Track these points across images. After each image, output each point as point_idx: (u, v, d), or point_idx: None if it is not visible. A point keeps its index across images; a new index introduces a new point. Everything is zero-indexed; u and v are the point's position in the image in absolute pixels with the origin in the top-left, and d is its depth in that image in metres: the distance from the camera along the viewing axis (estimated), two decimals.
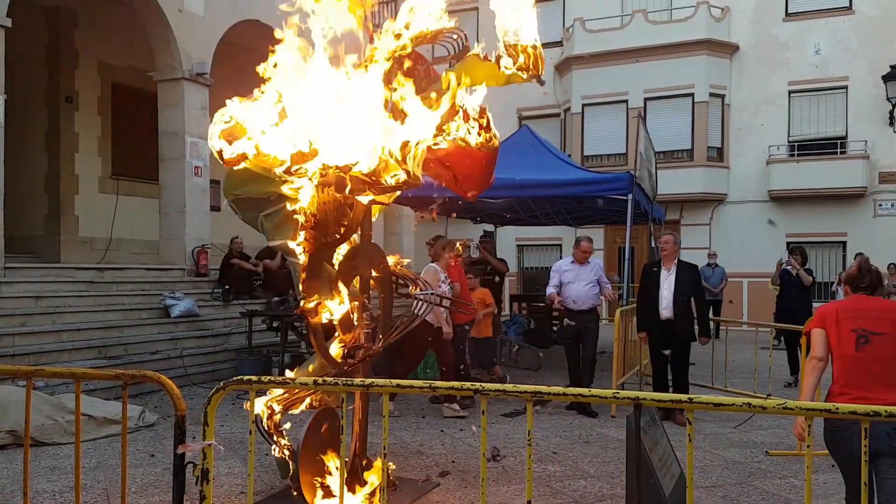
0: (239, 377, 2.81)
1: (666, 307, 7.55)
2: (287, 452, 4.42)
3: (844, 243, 19.08)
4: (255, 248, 12.35)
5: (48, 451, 5.96)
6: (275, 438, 4.39)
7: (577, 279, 8.04)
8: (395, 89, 4.17)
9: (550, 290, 8.16)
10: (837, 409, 2.42)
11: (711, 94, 19.93)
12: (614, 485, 5.28)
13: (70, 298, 9.66)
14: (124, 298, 10.37)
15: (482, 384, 2.66)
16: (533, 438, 2.70)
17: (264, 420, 4.25)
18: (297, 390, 4.16)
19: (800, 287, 9.98)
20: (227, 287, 11.61)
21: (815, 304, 8.90)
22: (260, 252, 12.13)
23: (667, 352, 7.66)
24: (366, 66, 4.19)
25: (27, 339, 8.41)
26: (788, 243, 19.01)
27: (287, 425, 4.50)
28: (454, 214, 11.38)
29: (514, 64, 4.77)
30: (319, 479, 4.45)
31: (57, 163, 13.01)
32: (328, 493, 4.47)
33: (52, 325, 8.90)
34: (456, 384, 2.68)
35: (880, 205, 18.85)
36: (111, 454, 5.94)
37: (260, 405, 4.24)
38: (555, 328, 14.43)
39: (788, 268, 10.10)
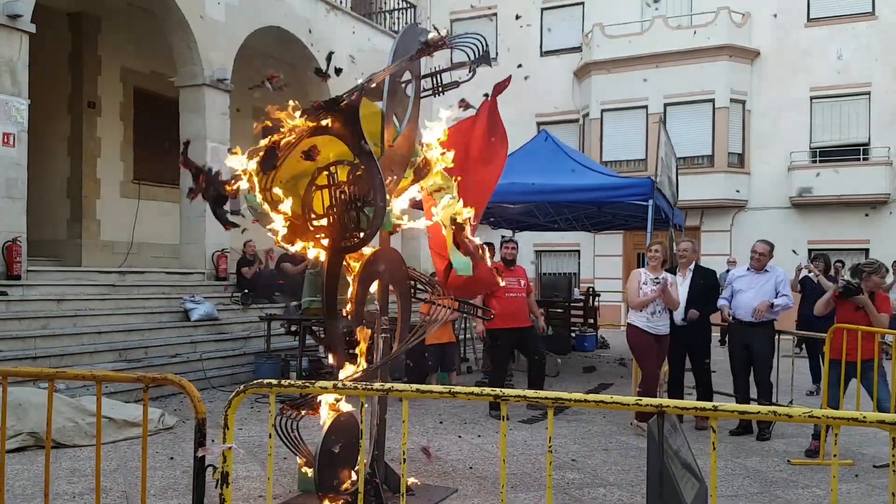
0: (259, 380, 2.81)
1: (680, 313, 7.50)
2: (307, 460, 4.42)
3: (867, 251, 18.83)
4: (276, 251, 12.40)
5: (68, 453, 6.00)
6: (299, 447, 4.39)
7: (750, 288, 7.19)
8: None
9: (722, 301, 7.50)
10: (865, 417, 2.37)
11: (732, 100, 19.80)
12: (634, 493, 5.23)
13: (91, 302, 9.74)
14: (145, 302, 10.45)
15: (503, 390, 2.63)
16: (555, 445, 2.68)
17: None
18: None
19: (821, 296, 9.80)
20: (246, 291, 11.67)
21: None
22: (281, 255, 12.16)
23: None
24: None
25: (49, 341, 8.48)
26: (810, 251, 18.80)
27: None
28: None
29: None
30: (338, 484, 4.45)
31: (79, 167, 13.13)
32: (346, 495, 4.47)
33: (73, 328, 8.97)
34: (476, 389, 2.66)
35: None
36: (131, 457, 5.97)
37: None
38: (573, 334, 14.38)
39: (810, 275, 9.94)
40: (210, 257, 12.08)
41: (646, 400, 2.58)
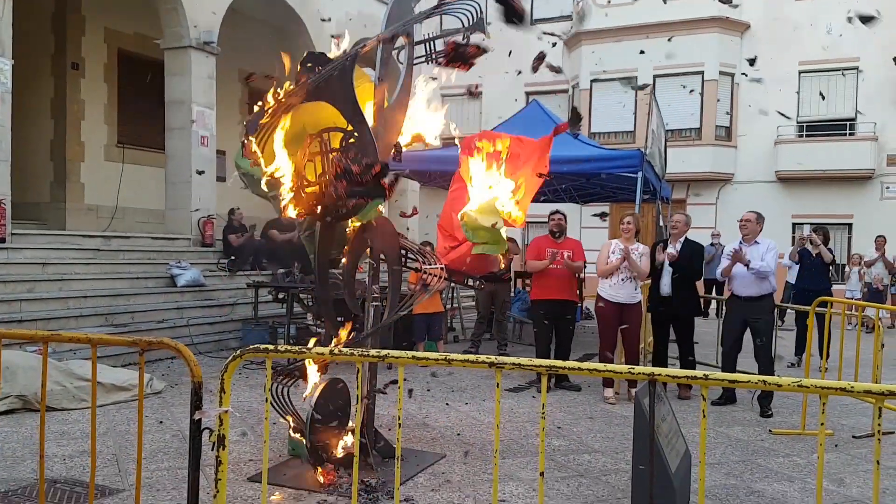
0: (255, 346, 2.82)
1: (665, 283, 7.59)
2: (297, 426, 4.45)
3: (850, 225, 19.05)
4: (257, 220, 12.36)
5: (57, 417, 6.01)
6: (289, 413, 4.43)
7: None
8: None
9: (719, 275, 7.51)
10: (852, 387, 2.42)
11: (721, 73, 19.77)
12: (618, 460, 5.32)
13: (76, 266, 9.68)
14: (130, 267, 10.40)
15: (497, 357, 2.66)
16: (539, 413, 2.72)
17: None
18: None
19: (820, 268, 9.84)
20: (233, 258, 11.62)
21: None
22: (268, 223, 12.11)
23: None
24: None
25: (34, 305, 8.44)
26: (794, 224, 19.00)
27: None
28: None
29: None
30: (329, 448, 4.50)
31: (63, 130, 12.97)
32: (336, 460, 4.52)
33: (58, 292, 8.93)
34: (471, 357, 2.69)
35: (888, 187, 18.79)
36: (119, 420, 5.99)
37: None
38: None
39: (809, 247, 9.99)
40: (196, 223, 12.01)
41: (638, 369, 2.62)
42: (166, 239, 11.80)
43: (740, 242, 7.32)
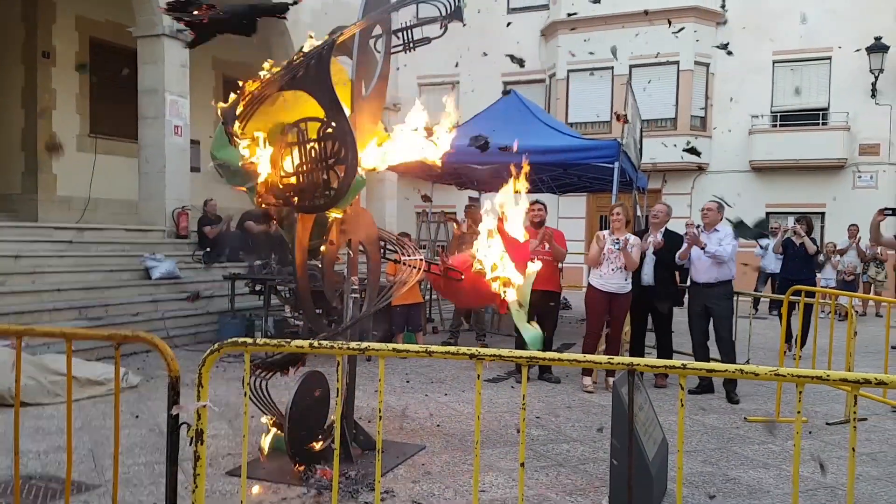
0: (234, 339, 2.79)
1: (647, 273, 7.65)
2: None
3: (823, 214, 19.29)
4: (233, 210, 12.25)
5: (31, 412, 5.92)
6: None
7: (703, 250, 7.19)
8: None
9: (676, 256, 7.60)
10: (828, 376, 2.45)
11: (697, 63, 19.87)
12: (596, 448, 5.36)
13: (49, 258, 9.53)
14: (104, 259, 10.25)
15: (478, 349, 2.66)
16: (518, 403, 2.73)
17: None
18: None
19: (804, 258, 9.91)
20: (208, 250, 11.51)
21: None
22: (244, 214, 12.00)
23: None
24: None
25: (7, 298, 8.30)
26: (767, 213, 19.19)
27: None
28: (433, 183, 11.44)
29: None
30: (309, 443, 4.48)
31: (34, 120, 12.75)
32: (315, 454, 4.51)
33: (31, 285, 8.79)
34: (452, 349, 2.68)
35: (859, 176, 19.04)
36: (95, 415, 5.92)
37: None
38: None
39: (793, 237, 10.07)
40: (170, 214, 11.87)
41: (617, 359, 2.63)
42: (140, 231, 11.64)
43: (698, 227, 7.37)
